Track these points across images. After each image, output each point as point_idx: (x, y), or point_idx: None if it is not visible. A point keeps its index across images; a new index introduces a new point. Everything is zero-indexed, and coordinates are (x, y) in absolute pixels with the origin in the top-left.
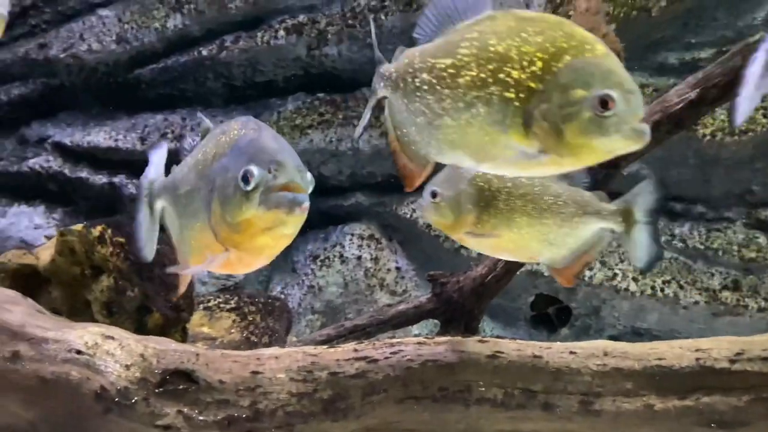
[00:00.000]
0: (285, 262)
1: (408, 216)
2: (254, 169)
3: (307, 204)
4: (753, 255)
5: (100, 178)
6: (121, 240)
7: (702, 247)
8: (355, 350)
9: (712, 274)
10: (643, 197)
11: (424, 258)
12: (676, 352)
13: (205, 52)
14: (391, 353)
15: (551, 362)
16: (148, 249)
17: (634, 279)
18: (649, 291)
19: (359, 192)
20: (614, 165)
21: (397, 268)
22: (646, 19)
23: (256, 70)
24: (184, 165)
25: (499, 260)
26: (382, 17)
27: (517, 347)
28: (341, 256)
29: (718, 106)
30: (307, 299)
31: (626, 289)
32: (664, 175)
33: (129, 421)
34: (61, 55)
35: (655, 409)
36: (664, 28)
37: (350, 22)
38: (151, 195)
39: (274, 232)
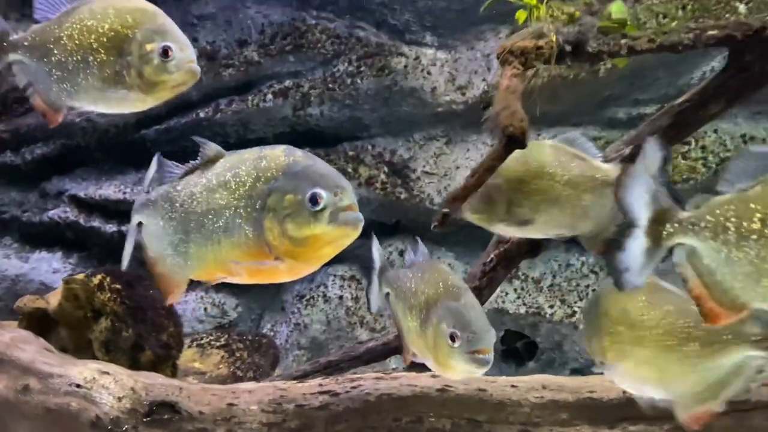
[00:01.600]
0: (275, 302)
1: (386, 259)
2: (323, 193)
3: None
4: None
5: (111, 227)
6: (118, 286)
7: None
8: (320, 385)
9: None
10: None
11: None
12: (605, 386)
13: (202, 114)
14: (351, 387)
15: (495, 395)
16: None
17: None
18: None
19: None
20: None
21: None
22: (595, 78)
23: (248, 128)
24: (182, 186)
25: None
26: (358, 81)
27: (464, 381)
28: (324, 295)
29: None
30: (294, 336)
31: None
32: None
33: None
34: (77, 120)
35: None
36: (613, 86)
37: (330, 85)
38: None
39: (337, 245)
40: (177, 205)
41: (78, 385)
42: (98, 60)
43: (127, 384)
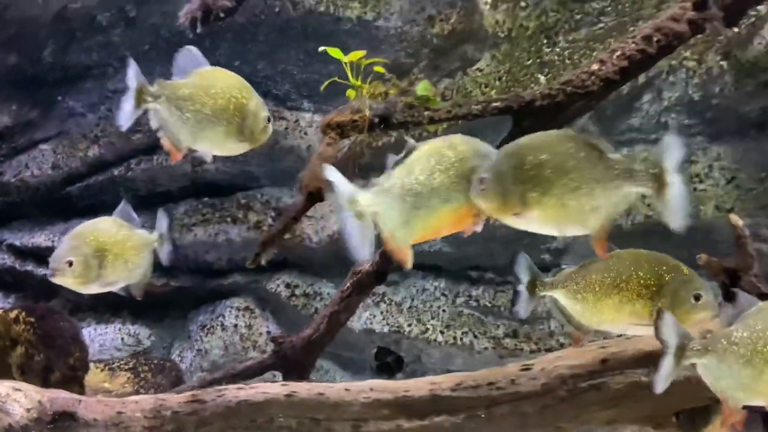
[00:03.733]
0: (183, 331)
1: (274, 290)
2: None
3: None
4: None
5: (41, 271)
6: (31, 319)
7: (490, 305)
8: (193, 395)
9: (498, 326)
10: (670, 155)
11: (290, 323)
12: (418, 385)
13: (116, 173)
14: (216, 396)
15: (331, 397)
16: (366, 251)
17: (441, 332)
18: (452, 341)
19: (236, 273)
20: None
21: (268, 332)
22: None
23: (156, 184)
24: (404, 174)
25: (322, 322)
26: None
27: (308, 387)
28: (222, 324)
29: None
30: (197, 360)
31: (435, 340)
32: (464, 251)
33: None
34: (12, 180)
35: (403, 428)
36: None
37: None
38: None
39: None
40: (406, 188)
41: None
42: (223, 118)
43: (35, 398)
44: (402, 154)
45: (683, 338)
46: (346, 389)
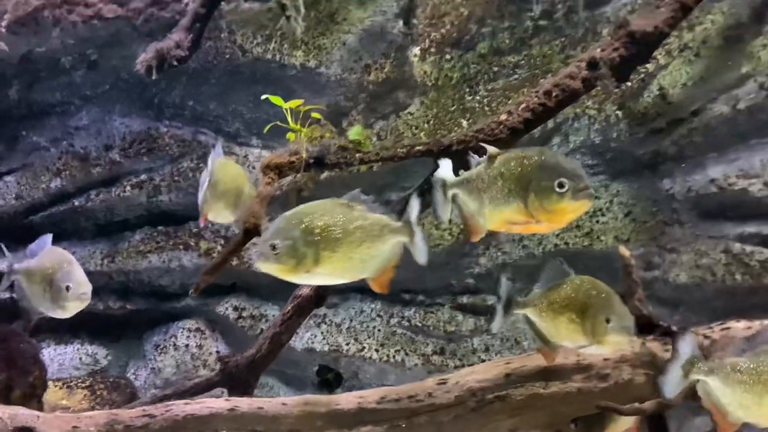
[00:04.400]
0: (138, 351)
1: (223, 312)
2: (565, 181)
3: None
4: (453, 329)
5: (4, 294)
6: None
7: (421, 324)
8: (143, 410)
9: (427, 344)
10: (413, 212)
11: (237, 343)
12: (348, 399)
13: (77, 203)
14: (165, 411)
15: (270, 411)
16: (444, 214)
17: (376, 350)
18: (385, 358)
19: (188, 297)
20: None
21: (217, 352)
22: (372, 172)
23: (114, 213)
24: (476, 173)
25: (264, 342)
26: (198, 174)
27: (249, 402)
28: (175, 344)
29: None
30: (150, 378)
31: (371, 358)
32: (398, 275)
33: None
34: None
35: None
36: (385, 177)
37: (176, 178)
38: (445, 186)
39: (577, 212)
40: (476, 184)
41: None
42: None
43: None
44: (484, 158)
45: (694, 355)
46: (283, 403)
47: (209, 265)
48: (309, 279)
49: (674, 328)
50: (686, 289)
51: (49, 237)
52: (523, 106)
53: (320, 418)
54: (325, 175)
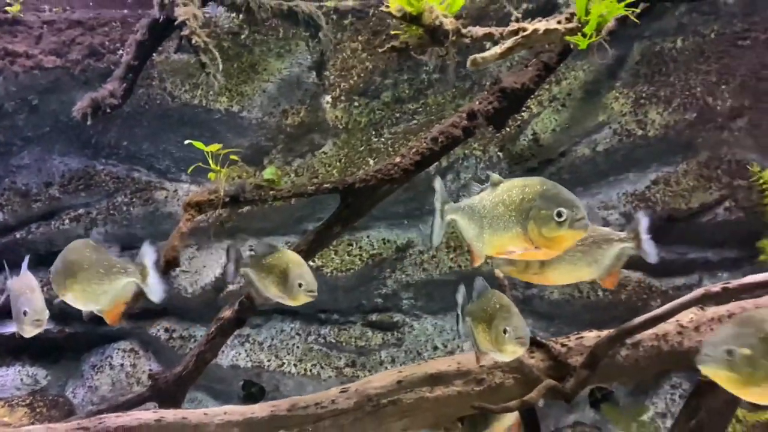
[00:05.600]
0: (77, 371)
1: (155, 334)
2: (564, 210)
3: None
4: (363, 344)
5: None
6: None
7: (335, 341)
8: (78, 423)
9: (340, 358)
10: (147, 258)
11: (169, 362)
12: (262, 408)
13: (18, 236)
14: (98, 423)
15: (193, 420)
16: (436, 239)
17: (295, 365)
18: (303, 372)
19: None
20: None
21: (150, 370)
22: (291, 205)
23: (53, 245)
24: (478, 200)
25: (191, 361)
26: (132, 208)
27: (174, 413)
28: (110, 364)
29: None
30: (88, 395)
31: (290, 372)
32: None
33: None
34: None
35: None
36: (303, 209)
37: (112, 212)
38: (443, 212)
39: (572, 241)
40: (476, 210)
41: None
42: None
43: None
44: (485, 185)
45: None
46: (205, 413)
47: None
48: None
49: (539, 339)
50: (558, 304)
51: (25, 261)
52: (414, 150)
53: (237, 425)
54: (248, 208)
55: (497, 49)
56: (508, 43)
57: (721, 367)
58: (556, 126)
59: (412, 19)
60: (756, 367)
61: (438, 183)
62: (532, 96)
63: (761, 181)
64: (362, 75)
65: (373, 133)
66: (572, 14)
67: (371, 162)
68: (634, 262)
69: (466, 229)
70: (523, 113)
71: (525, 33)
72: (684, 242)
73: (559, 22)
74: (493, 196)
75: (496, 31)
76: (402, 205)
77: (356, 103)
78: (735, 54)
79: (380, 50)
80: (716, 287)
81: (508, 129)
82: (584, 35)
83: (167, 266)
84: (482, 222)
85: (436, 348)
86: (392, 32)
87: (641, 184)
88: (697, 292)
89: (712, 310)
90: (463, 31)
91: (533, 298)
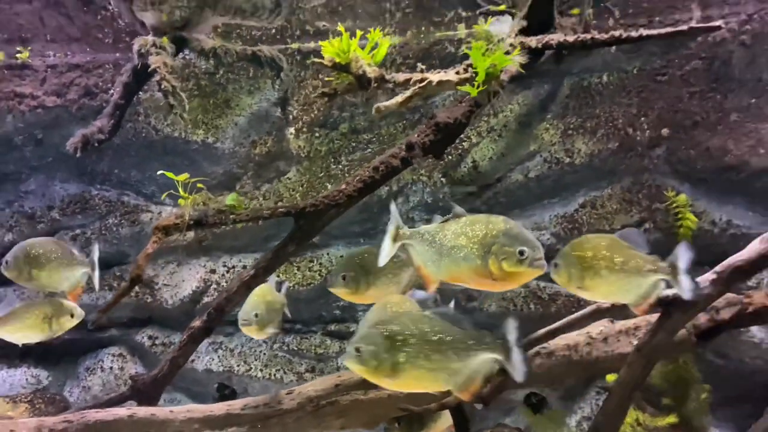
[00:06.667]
0: (74, 373)
1: (140, 341)
2: (526, 249)
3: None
4: (323, 351)
5: None
6: None
7: (297, 348)
8: (64, 417)
9: (302, 364)
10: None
11: (152, 366)
12: (219, 407)
13: None
14: (81, 417)
15: (161, 417)
16: (383, 259)
17: (261, 370)
18: (268, 376)
19: (113, 328)
20: None
21: (137, 372)
22: (258, 225)
23: None
24: (438, 229)
25: (165, 365)
26: (121, 228)
27: (145, 410)
28: (102, 367)
29: None
30: (82, 395)
31: (257, 376)
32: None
33: None
34: None
35: None
36: (269, 228)
37: (104, 231)
38: (397, 235)
39: (530, 277)
40: (436, 239)
41: None
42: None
43: None
44: (449, 216)
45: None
46: (171, 411)
47: (104, 305)
48: None
49: None
50: (496, 316)
51: None
52: (357, 178)
53: (198, 422)
54: (221, 229)
55: (398, 98)
56: (408, 92)
57: (354, 362)
58: (493, 154)
59: (341, 68)
60: (380, 361)
61: (393, 207)
62: (472, 127)
63: (675, 205)
64: (322, 109)
65: (332, 160)
66: (469, 65)
67: (329, 186)
68: None
69: (421, 253)
70: (463, 143)
71: (421, 84)
72: None
73: (457, 73)
74: (456, 227)
75: (413, 77)
76: (358, 225)
77: (317, 134)
78: (654, 88)
79: (313, 95)
80: (606, 303)
81: (450, 157)
82: (472, 85)
83: (132, 282)
84: (441, 249)
85: None
86: (326, 79)
87: (571, 207)
88: (590, 307)
89: (621, 323)
90: (387, 77)
91: (474, 310)
